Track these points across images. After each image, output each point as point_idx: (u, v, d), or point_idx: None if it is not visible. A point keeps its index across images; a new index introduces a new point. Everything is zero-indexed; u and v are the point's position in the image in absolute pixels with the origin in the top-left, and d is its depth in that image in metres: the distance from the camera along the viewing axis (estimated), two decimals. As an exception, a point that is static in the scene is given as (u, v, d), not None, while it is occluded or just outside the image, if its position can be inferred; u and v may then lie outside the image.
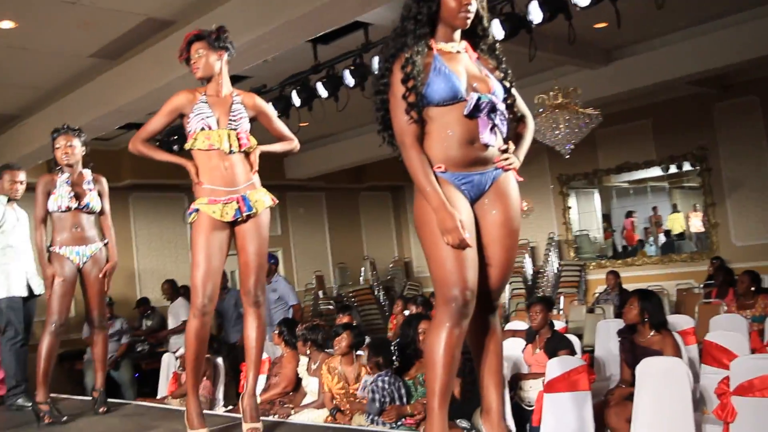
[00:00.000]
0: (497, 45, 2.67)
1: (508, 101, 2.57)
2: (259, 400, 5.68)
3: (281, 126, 3.66)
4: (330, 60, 7.15)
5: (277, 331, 6.06)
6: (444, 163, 2.42)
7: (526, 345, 5.46)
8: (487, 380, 2.57)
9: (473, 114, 2.42)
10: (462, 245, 2.31)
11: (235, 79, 7.77)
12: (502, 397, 2.57)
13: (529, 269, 12.10)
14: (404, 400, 4.60)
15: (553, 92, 7.01)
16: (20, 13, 6.05)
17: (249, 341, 3.47)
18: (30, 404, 4.39)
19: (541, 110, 7.00)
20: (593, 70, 8.66)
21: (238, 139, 3.37)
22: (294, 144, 3.66)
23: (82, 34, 6.59)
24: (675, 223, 12.22)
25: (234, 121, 3.40)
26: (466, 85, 2.47)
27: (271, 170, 12.37)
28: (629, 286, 8.67)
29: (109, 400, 4.82)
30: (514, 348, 5.56)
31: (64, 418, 4.14)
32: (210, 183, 3.33)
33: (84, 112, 7.88)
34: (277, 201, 3.57)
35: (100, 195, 4.50)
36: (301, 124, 8.18)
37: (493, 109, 2.45)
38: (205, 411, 4.79)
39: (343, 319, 6.17)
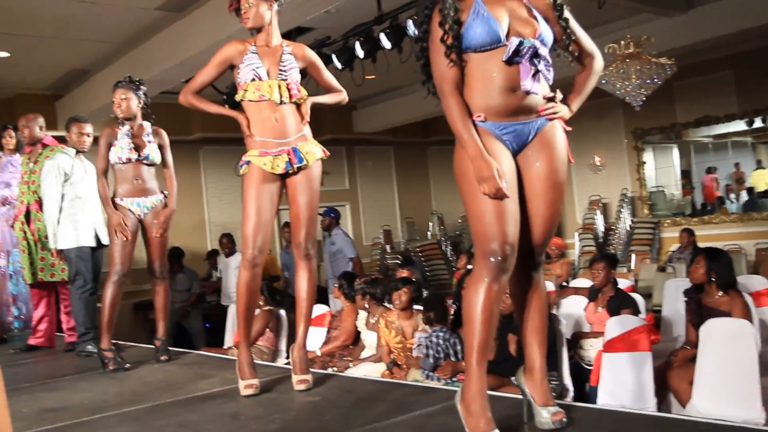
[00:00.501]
0: None
1: (566, 42, 2.45)
2: (319, 353, 5.83)
3: (330, 78, 3.64)
4: (394, 10, 7.01)
5: (336, 285, 6.11)
6: (484, 112, 2.33)
7: (588, 303, 5.36)
8: (530, 338, 2.50)
9: (513, 59, 2.31)
10: (499, 194, 2.23)
11: (299, 31, 7.85)
12: (545, 355, 2.50)
13: (600, 226, 11.81)
14: (459, 356, 4.58)
15: (625, 41, 6.71)
16: (86, -33, 6.17)
17: (300, 293, 3.51)
18: (97, 351, 4.55)
19: (611, 60, 6.74)
20: (671, 17, 8.21)
21: (288, 90, 3.36)
22: (342, 96, 3.64)
23: (147, -14, 6.70)
24: (759, 180, 11.73)
25: (284, 71, 3.38)
26: (508, 28, 2.35)
27: (339, 124, 12.41)
28: (705, 245, 8.38)
29: (175, 348, 5.00)
30: (576, 306, 5.47)
31: (127, 365, 4.29)
32: (261, 135, 3.34)
33: (151, 66, 8.03)
34: (329, 153, 3.52)
35: (160, 147, 4.57)
36: (366, 77, 8.14)
37: (535, 54, 2.33)
38: (267, 362, 4.94)
39: (403, 273, 6.16)
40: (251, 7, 3.35)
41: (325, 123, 12.21)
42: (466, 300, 2.29)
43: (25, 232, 5.53)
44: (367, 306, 5.71)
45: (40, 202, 5.41)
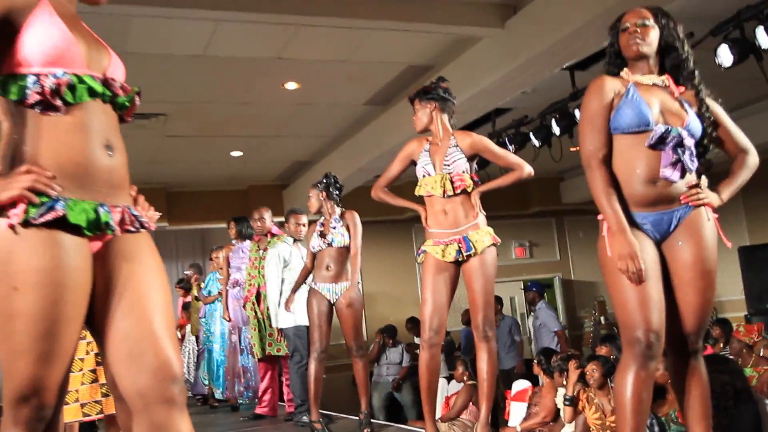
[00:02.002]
0: (696, 76, 2.60)
1: (712, 133, 2.51)
2: (519, 429, 5.86)
3: (507, 156, 3.76)
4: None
5: (536, 360, 6.13)
6: (627, 201, 2.41)
7: (807, 382, 4.95)
8: (693, 425, 2.47)
9: (657, 145, 2.39)
10: (638, 275, 2.28)
11: (497, 112, 8.12)
12: (709, 444, 2.47)
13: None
14: (656, 436, 4.45)
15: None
16: (301, 75, 6.88)
17: (480, 374, 3.61)
18: (308, 422, 4.88)
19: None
20: None
21: (452, 182, 3.54)
22: (524, 171, 3.67)
23: (354, 85, 7.29)
24: None
25: (447, 165, 3.57)
26: (658, 116, 2.45)
27: (546, 196, 12.42)
28: None
29: (377, 421, 5.25)
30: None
31: None
32: (435, 226, 3.57)
33: (361, 155, 8.64)
34: (499, 241, 3.64)
35: (349, 228, 4.78)
36: (572, 149, 8.20)
37: (680, 143, 2.39)
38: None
39: (602, 350, 6.05)
40: (416, 112, 3.69)
41: (532, 196, 12.32)
42: (616, 388, 2.35)
43: (255, 311, 6.02)
44: (564, 382, 5.68)
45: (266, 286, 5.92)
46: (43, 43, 1.68)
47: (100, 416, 4.09)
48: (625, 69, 2.59)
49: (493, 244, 3.59)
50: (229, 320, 6.80)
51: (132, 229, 1.79)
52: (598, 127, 2.45)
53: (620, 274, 2.33)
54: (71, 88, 1.70)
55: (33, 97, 1.67)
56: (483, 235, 3.56)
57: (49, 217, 1.63)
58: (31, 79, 1.67)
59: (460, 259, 3.53)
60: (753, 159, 2.60)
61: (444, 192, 3.54)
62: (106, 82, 1.80)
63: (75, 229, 1.67)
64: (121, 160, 1.82)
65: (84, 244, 1.70)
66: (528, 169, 3.68)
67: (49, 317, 1.62)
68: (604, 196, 2.40)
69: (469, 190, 3.58)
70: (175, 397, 1.68)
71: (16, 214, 1.61)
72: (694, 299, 2.41)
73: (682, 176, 2.42)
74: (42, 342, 1.62)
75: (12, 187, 1.60)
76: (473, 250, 3.50)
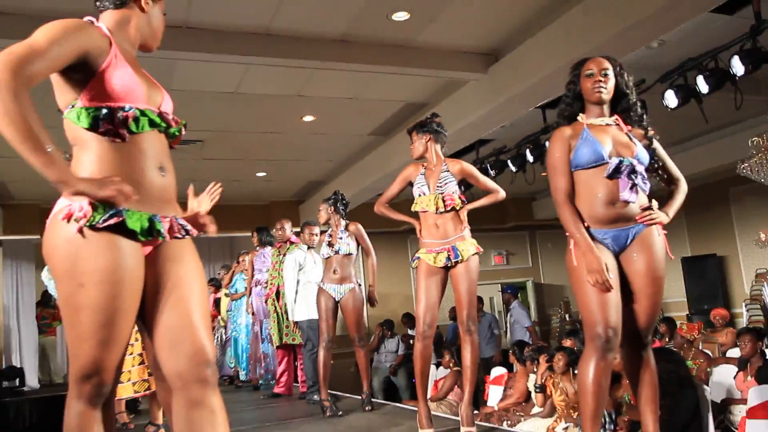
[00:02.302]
0: (643, 116, 2.64)
1: (654, 165, 2.54)
2: (496, 408, 5.85)
3: (486, 181, 3.77)
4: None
5: (510, 351, 6.13)
6: (588, 221, 2.44)
7: (738, 372, 4.95)
8: (644, 406, 2.49)
9: (613, 175, 2.41)
10: (605, 285, 2.31)
11: (481, 143, 8.15)
12: (657, 420, 2.47)
13: (767, 297, 10.66)
14: (612, 417, 4.45)
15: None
16: (317, 109, 6.92)
17: (465, 361, 3.59)
18: (319, 400, 4.87)
19: (753, 152, 6.32)
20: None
21: (444, 201, 3.56)
22: (500, 194, 3.74)
23: (360, 119, 7.33)
24: None
25: (440, 186, 3.58)
26: (611, 150, 2.47)
27: (521, 212, 12.45)
28: None
29: (377, 400, 5.25)
30: (727, 374, 5.06)
31: (340, 413, 4.59)
32: (427, 237, 3.59)
33: (365, 177, 8.67)
34: (482, 250, 3.66)
35: (357, 238, 4.84)
36: (543, 174, 8.22)
37: (633, 171, 2.42)
38: (449, 415, 5.04)
39: (567, 342, 6.07)
40: (413, 142, 3.72)
41: (509, 213, 12.35)
42: (579, 375, 2.37)
43: (275, 306, 6.02)
44: (535, 370, 5.69)
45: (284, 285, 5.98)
46: (116, 83, 1.72)
47: (147, 392, 4.09)
48: (581, 114, 2.59)
49: (476, 253, 3.60)
50: (252, 314, 6.81)
51: (178, 235, 1.82)
52: (561, 171, 2.48)
53: (584, 280, 2.36)
54: (135, 120, 1.74)
55: (104, 126, 1.70)
56: (468, 245, 3.58)
57: (111, 221, 1.65)
58: (103, 112, 1.70)
59: (448, 265, 3.54)
60: (684, 185, 2.68)
61: (437, 209, 3.56)
62: (161, 115, 1.84)
63: (131, 235, 1.70)
64: (171, 180, 1.86)
65: (138, 248, 1.73)
66: (502, 194, 3.75)
67: (109, 309, 1.64)
68: (573, 225, 2.44)
69: (457, 208, 3.61)
70: (208, 378, 1.70)
71: (82, 217, 1.64)
72: (646, 302, 2.43)
73: (636, 197, 2.45)
74: (102, 330, 1.64)
75: (109, 188, 1.60)
76: (460, 257, 3.52)
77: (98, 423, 1.69)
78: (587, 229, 2.43)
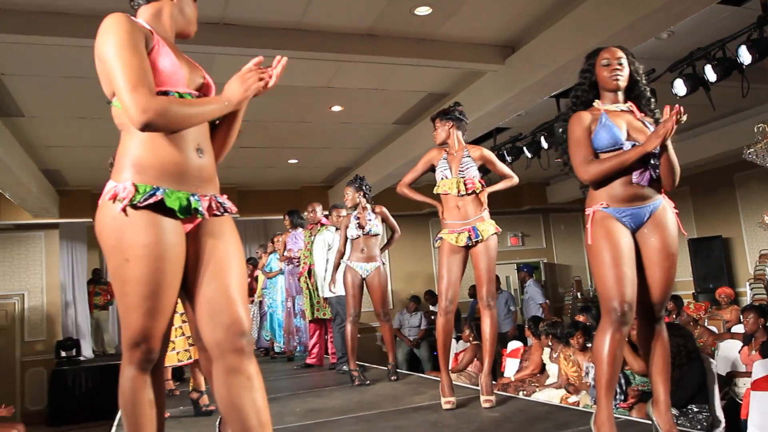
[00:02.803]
0: (652, 102, 2.57)
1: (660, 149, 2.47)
2: (513, 379, 5.83)
3: (503, 167, 3.74)
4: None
5: (526, 326, 6.10)
6: (607, 200, 2.38)
7: (743, 346, 4.86)
8: (655, 377, 2.45)
9: None
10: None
11: (498, 130, 8.06)
12: (668, 390, 2.43)
13: (771, 276, 10.43)
14: (623, 387, 4.40)
15: (773, 121, 6.11)
16: (344, 100, 6.89)
17: (484, 335, 3.58)
18: (348, 370, 4.92)
19: (759, 138, 6.15)
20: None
21: (465, 184, 3.55)
22: (514, 180, 3.72)
23: (385, 108, 7.27)
24: None
25: (462, 171, 3.57)
26: (626, 135, 2.42)
27: (535, 196, 12.33)
28: None
29: (402, 371, 5.26)
30: (732, 348, 4.98)
31: (367, 382, 4.62)
32: (449, 218, 3.57)
33: (389, 163, 8.63)
34: (500, 230, 3.63)
35: (383, 220, 4.84)
36: (556, 159, 8.11)
37: (646, 155, 2.36)
38: (469, 385, 5.04)
39: (580, 317, 6.02)
40: (436, 128, 3.69)
41: (524, 196, 12.23)
42: (595, 346, 2.32)
43: (307, 284, 6.07)
44: (549, 343, 5.65)
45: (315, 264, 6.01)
46: (160, 68, 1.73)
47: (190, 361, 4.14)
48: (597, 101, 2.53)
49: (495, 233, 3.58)
50: (286, 290, 6.87)
51: (218, 213, 1.82)
52: (583, 145, 2.42)
53: (601, 256, 2.31)
54: None
55: None
56: (488, 226, 3.56)
57: (150, 201, 1.67)
58: None
59: (469, 244, 3.52)
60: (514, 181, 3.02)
61: (458, 191, 3.54)
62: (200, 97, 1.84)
63: (171, 213, 1.71)
64: (209, 160, 1.85)
65: (178, 225, 1.73)
66: (516, 179, 3.73)
67: (153, 282, 1.65)
68: (612, 159, 2.34)
69: (477, 191, 3.59)
70: (243, 347, 1.71)
71: (125, 197, 1.65)
72: (661, 275, 2.38)
73: (650, 181, 2.38)
74: (148, 301, 1.65)
75: (251, 88, 1.80)
76: (480, 237, 3.51)
77: (148, 386, 1.71)
78: (607, 207, 2.37)
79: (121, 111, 1.71)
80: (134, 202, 1.66)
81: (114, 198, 1.67)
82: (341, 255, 4.92)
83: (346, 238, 4.86)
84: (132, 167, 1.71)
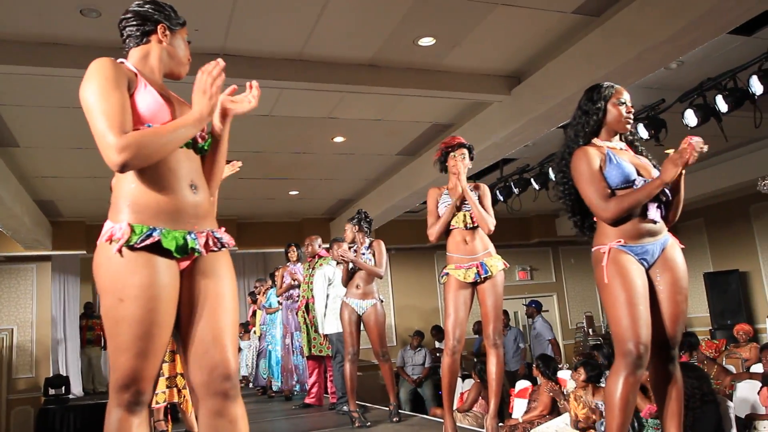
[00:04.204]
0: (641, 144, 2.65)
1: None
2: (521, 420, 5.75)
3: (488, 206, 3.66)
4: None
5: (534, 364, 6.04)
6: (622, 237, 2.38)
7: (762, 387, 4.80)
8: (669, 422, 2.42)
9: None
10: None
11: (505, 161, 8.12)
12: (681, 437, 2.41)
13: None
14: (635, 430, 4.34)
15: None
16: (347, 131, 6.96)
17: (490, 375, 3.56)
18: (347, 411, 4.86)
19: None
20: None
21: (472, 217, 3.57)
22: (489, 221, 3.56)
23: (388, 139, 7.34)
24: None
25: (466, 203, 3.60)
26: (636, 171, 2.45)
27: (544, 229, 12.35)
28: None
29: (404, 412, 5.20)
30: (751, 389, 4.91)
31: (368, 424, 4.57)
32: (455, 252, 3.58)
33: (393, 195, 8.65)
34: (508, 265, 3.64)
35: (374, 254, 4.78)
36: (560, 200, 8.13)
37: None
38: (475, 428, 4.96)
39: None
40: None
41: (533, 229, 12.26)
42: (607, 389, 2.31)
43: (305, 319, 6.07)
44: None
45: (314, 299, 6.01)
46: (141, 106, 1.80)
47: (164, 404, 4.10)
48: (595, 138, 2.53)
49: (504, 269, 3.59)
50: (284, 326, 6.85)
51: (215, 249, 1.86)
52: (598, 181, 2.40)
53: (616, 296, 2.31)
54: None
55: None
56: (496, 261, 3.58)
57: (147, 242, 1.71)
58: None
59: (477, 281, 3.52)
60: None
61: (465, 225, 3.57)
62: None
63: (167, 253, 1.74)
64: (204, 196, 1.90)
65: (173, 265, 1.77)
66: (491, 225, 3.58)
67: (146, 322, 1.68)
68: (633, 195, 2.34)
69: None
70: (228, 391, 1.75)
71: (120, 238, 1.70)
72: (674, 310, 2.39)
73: (662, 215, 2.41)
74: (140, 341, 1.67)
75: (213, 93, 1.83)
76: (489, 273, 3.51)
77: (136, 429, 1.71)
78: (624, 245, 2.37)
79: None
80: (131, 243, 1.70)
81: (110, 239, 1.71)
82: (345, 282, 4.85)
83: (346, 274, 4.86)
84: (128, 207, 1.75)
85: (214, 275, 1.83)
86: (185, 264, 1.80)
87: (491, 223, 3.57)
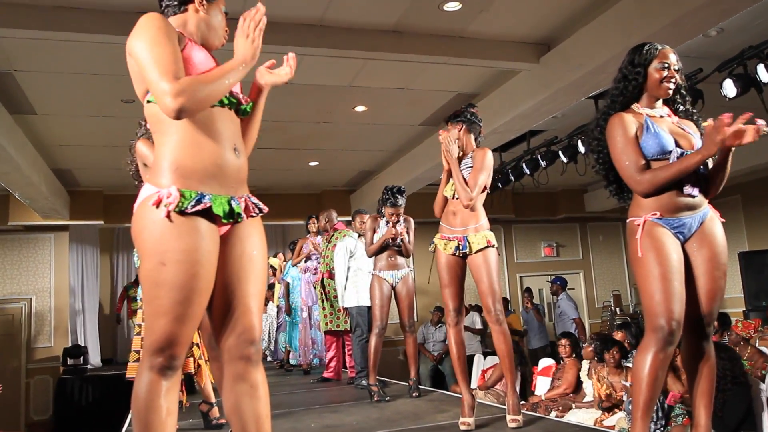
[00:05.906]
0: (693, 110, 2.57)
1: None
2: (543, 398, 5.80)
3: (476, 177, 3.48)
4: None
5: (557, 342, 6.06)
6: (658, 210, 2.35)
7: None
8: (698, 401, 2.42)
9: None
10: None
11: (532, 133, 8.05)
12: (710, 415, 2.40)
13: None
14: (663, 410, 4.35)
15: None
16: (369, 100, 6.95)
17: (500, 353, 3.48)
18: (367, 385, 4.92)
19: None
20: None
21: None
22: (464, 195, 3.43)
23: (411, 109, 7.31)
24: None
25: (462, 171, 3.51)
26: (674, 142, 2.40)
27: (572, 204, 12.25)
28: None
29: (423, 387, 5.26)
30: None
31: (387, 398, 4.63)
32: (444, 223, 3.57)
33: (415, 167, 8.65)
34: (494, 244, 3.50)
35: (407, 231, 4.87)
36: (593, 169, 8.06)
37: None
38: (497, 404, 5.00)
39: (617, 335, 5.96)
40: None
41: (559, 204, 12.16)
42: (635, 365, 2.30)
43: (322, 292, 6.15)
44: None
45: (330, 273, 6.05)
46: (191, 61, 1.84)
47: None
48: (635, 104, 2.50)
49: (488, 247, 3.47)
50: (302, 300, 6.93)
51: (253, 214, 1.92)
52: (633, 152, 2.37)
53: (650, 270, 2.29)
54: None
55: None
56: (480, 238, 3.47)
57: (199, 207, 1.75)
58: None
59: (456, 254, 3.47)
60: None
61: (453, 195, 3.53)
62: (231, 94, 1.93)
63: (212, 218, 1.79)
64: (245, 160, 1.95)
65: (215, 231, 1.82)
66: (467, 198, 3.44)
67: (187, 287, 1.72)
68: (670, 168, 2.31)
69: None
70: (251, 356, 1.82)
71: (171, 203, 1.73)
72: (711, 286, 2.36)
73: (700, 188, 2.38)
74: (179, 306, 1.72)
75: (256, 37, 1.87)
76: (467, 250, 3.45)
77: (166, 393, 1.75)
78: (660, 217, 2.35)
79: (155, 111, 1.79)
80: (181, 209, 1.73)
81: (158, 204, 1.74)
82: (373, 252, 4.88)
83: (372, 245, 4.88)
84: (174, 171, 1.78)
85: (249, 241, 1.88)
86: (225, 229, 1.86)
87: (465, 197, 3.44)
